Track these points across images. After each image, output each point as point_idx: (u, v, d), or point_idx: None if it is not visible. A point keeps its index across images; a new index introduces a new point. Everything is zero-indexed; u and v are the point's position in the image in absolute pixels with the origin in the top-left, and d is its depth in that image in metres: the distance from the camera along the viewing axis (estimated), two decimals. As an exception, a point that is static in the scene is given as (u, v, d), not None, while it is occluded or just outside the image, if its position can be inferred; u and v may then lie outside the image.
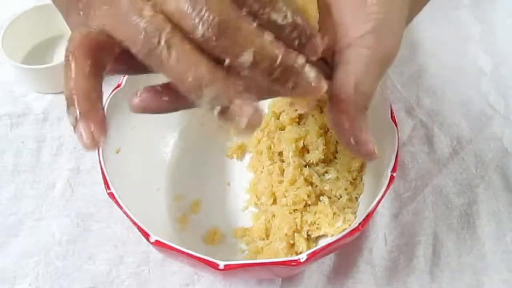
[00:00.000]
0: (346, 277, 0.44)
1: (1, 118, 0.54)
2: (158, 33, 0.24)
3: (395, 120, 0.41)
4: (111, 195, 0.38)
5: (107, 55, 0.27)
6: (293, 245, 0.44)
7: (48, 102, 0.55)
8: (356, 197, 0.46)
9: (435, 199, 0.49)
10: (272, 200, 0.46)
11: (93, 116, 0.26)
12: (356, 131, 0.29)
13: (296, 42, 0.27)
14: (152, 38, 0.24)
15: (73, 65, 0.26)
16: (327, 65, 0.31)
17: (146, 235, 0.36)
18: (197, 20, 0.23)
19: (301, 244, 0.43)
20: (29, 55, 0.59)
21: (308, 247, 0.43)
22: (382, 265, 0.45)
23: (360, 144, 0.29)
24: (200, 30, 0.23)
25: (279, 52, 0.24)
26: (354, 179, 0.46)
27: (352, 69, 0.29)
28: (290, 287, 0.44)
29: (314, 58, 0.27)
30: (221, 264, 0.34)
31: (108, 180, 0.38)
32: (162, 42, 0.24)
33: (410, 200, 0.49)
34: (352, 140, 0.29)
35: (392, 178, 0.38)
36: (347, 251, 0.46)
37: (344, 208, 0.45)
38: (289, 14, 0.26)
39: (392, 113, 0.41)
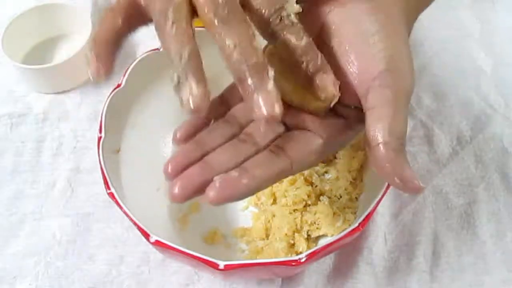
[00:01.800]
0: (346, 277, 0.44)
1: (1, 118, 0.54)
2: (168, 7, 0.28)
3: (395, 120, 0.41)
4: (111, 195, 0.38)
5: (139, 20, 0.31)
6: (293, 245, 0.44)
7: (48, 102, 0.55)
8: (356, 197, 0.46)
9: (435, 199, 0.49)
10: (272, 200, 0.46)
11: (103, 58, 0.30)
12: (400, 171, 0.29)
13: (304, 65, 0.29)
14: (163, 10, 0.28)
15: (107, 18, 0.30)
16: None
17: (146, 235, 0.36)
18: (211, 5, 0.28)
19: (301, 244, 0.43)
20: (29, 55, 0.59)
21: (308, 247, 0.43)
22: (382, 265, 0.45)
23: (406, 182, 0.29)
24: (209, 14, 0.28)
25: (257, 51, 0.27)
26: (354, 179, 0.46)
27: (381, 112, 0.29)
28: (290, 287, 0.44)
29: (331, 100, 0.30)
30: (221, 264, 0.34)
31: (108, 180, 0.38)
32: (168, 15, 0.28)
33: (410, 200, 0.48)
34: (397, 179, 0.29)
35: (392, 178, 0.38)
36: (347, 251, 0.45)
37: (344, 208, 0.45)
38: (304, 39, 0.29)
39: (392, 113, 0.41)
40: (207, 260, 0.34)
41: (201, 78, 0.27)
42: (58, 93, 0.56)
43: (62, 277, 0.45)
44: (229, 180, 0.28)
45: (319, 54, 0.30)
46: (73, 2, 0.59)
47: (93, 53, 0.30)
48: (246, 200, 0.48)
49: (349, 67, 0.31)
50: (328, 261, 0.45)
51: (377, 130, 0.29)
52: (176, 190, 0.28)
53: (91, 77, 0.30)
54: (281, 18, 0.29)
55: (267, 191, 0.46)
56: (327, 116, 0.32)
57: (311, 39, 0.30)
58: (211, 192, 0.27)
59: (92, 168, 0.51)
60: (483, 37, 0.61)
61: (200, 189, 0.28)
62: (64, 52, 0.59)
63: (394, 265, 0.45)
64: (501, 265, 0.45)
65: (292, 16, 0.30)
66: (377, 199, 0.37)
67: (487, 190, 0.49)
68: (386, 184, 0.37)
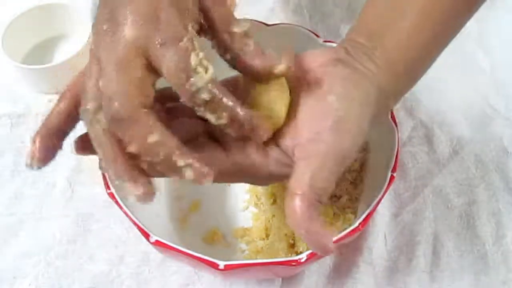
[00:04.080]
0: (346, 277, 0.44)
1: (1, 118, 0.54)
2: (87, 106, 0.29)
3: (395, 120, 0.41)
4: (111, 195, 0.38)
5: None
6: (293, 245, 0.44)
7: (48, 102, 0.55)
8: (356, 197, 0.46)
9: (435, 199, 0.49)
10: (272, 200, 0.46)
11: (42, 143, 0.31)
12: (307, 224, 0.29)
13: (235, 134, 0.30)
14: (86, 108, 0.29)
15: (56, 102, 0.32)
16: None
17: (146, 235, 0.36)
18: (106, 110, 0.27)
19: (301, 244, 0.43)
20: (29, 55, 0.59)
21: (308, 247, 0.43)
22: (382, 265, 0.45)
23: (312, 236, 0.29)
24: (104, 119, 0.28)
25: (162, 150, 0.27)
26: (354, 179, 0.46)
27: (308, 163, 0.30)
28: (290, 287, 0.44)
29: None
30: (221, 264, 0.34)
31: (108, 180, 0.38)
32: (87, 116, 0.29)
33: (410, 200, 0.48)
34: (303, 231, 0.29)
35: (392, 178, 0.38)
36: (347, 251, 0.46)
37: (344, 208, 0.45)
38: (224, 116, 0.29)
39: (392, 113, 0.41)
40: (207, 260, 0.34)
41: (135, 177, 0.27)
42: (58, 93, 0.56)
43: (62, 277, 0.45)
44: None
45: (246, 120, 0.29)
46: (73, 2, 0.59)
47: (37, 135, 0.30)
48: (246, 200, 0.48)
49: (301, 115, 0.32)
50: (328, 261, 0.45)
51: (298, 180, 0.29)
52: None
53: (27, 165, 0.30)
54: (192, 94, 0.27)
55: (267, 191, 0.46)
56: (251, 147, 0.32)
57: (234, 109, 0.29)
58: None
59: (92, 168, 0.50)
60: (482, 37, 0.61)
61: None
62: (64, 52, 0.59)
63: (394, 265, 0.45)
64: (501, 265, 0.45)
65: (205, 94, 0.27)
66: (377, 199, 0.37)
67: (487, 190, 0.49)
68: (386, 184, 0.37)
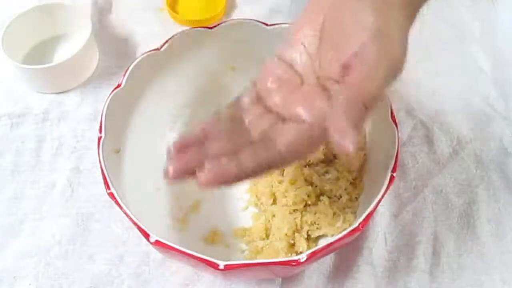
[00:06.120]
0: (346, 277, 0.44)
1: (1, 118, 0.54)
2: None
3: (395, 120, 0.41)
4: (111, 195, 0.38)
5: None
6: (293, 245, 0.44)
7: (48, 102, 0.55)
8: (356, 197, 0.46)
9: (435, 199, 0.49)
10: (272, 200, 0.46)
11: None
12: (341, 119, 0.28)
13: None
14: None
15: None
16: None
17: (146, 235, 0.36)
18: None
19: (301, 244, 0.43)
20: (29, 55, 0.59)
21: (308, 247, 0.43)
22: (382, 265, 0.45)
23: (342, 133, 0.28)
24: None
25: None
26: (354, 179, 0.46)
27: (359, 70, 0.30)
28: (290, 287, 0.44)
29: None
30: (221, 264, 0.34)
31: (108, 180, 0.38)
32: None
33: (410, 200, 0.48)
34: (332, 128, 0.28)
35: (392, 178, 0.38)
36: (347, 251, 0.45)
37: (344, 208, 0.45)
38: None
39: (392, 113, 0.41)
40: (207, 260, 0.34)
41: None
42: (58, 93, 0.56)
43: (62, 277, 0.45)
44: (218, 165, 0.30)
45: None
46: (73, 2, 0.59)
47: None
48: (246, 200, 0.48)
49: (339, 37, 0.32)
50: (328, 261, 0.45)
51: (350, 84, 0.29)
52: (171, 169, 0.31)
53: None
54: None
55: (267, 191, 0.46)
56: (316, 100, 0.32)
57: None
58: (201, 175, 0.30)
59: (92, 168, 0.50)
60: (483, 37, 0.61)
61: (193, 171, 0.30)
62: (64, 52, 0.59)
63: (394, 265, 0.45)
64: (501, 265, 0.45)
65: None
66: (377, 199, 0.37)
67: (487, 190, 0.49)
68: (386, 184, 0.37)
